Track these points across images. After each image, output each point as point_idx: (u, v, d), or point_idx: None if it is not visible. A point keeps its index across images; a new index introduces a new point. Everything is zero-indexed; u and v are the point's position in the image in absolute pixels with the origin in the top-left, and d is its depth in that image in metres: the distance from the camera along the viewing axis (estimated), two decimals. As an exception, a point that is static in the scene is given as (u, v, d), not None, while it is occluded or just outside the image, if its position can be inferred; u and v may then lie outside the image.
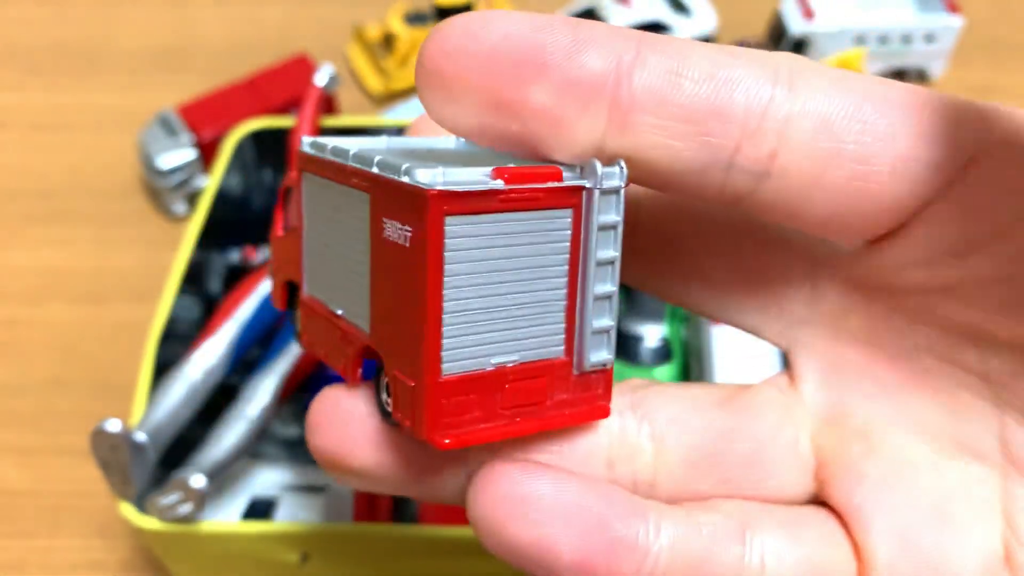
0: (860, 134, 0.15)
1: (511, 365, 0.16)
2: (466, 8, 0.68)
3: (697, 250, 0.20)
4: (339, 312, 0.18)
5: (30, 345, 0.56)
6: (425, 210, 0.15)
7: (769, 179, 0.16)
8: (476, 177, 0.15)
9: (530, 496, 0.17)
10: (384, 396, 0.17)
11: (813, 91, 0.15)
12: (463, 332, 0.16)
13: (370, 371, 0.18)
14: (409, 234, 0.15)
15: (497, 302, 0.16)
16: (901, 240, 0.17)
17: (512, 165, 0.16)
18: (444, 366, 0.16)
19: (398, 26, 0.67)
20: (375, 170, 0.16)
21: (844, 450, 0.19)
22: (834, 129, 0.15)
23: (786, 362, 0.20)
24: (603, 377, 0.18)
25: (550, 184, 0.16)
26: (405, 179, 0.15)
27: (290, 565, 0.39)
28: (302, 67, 0.64)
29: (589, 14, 0.64)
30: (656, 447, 0.19)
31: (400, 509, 0.41)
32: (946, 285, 0.16)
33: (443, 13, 0.68)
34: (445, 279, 0.15)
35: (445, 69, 0.15)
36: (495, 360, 0.16)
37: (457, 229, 0.15)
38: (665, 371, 0.48)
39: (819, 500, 0.19)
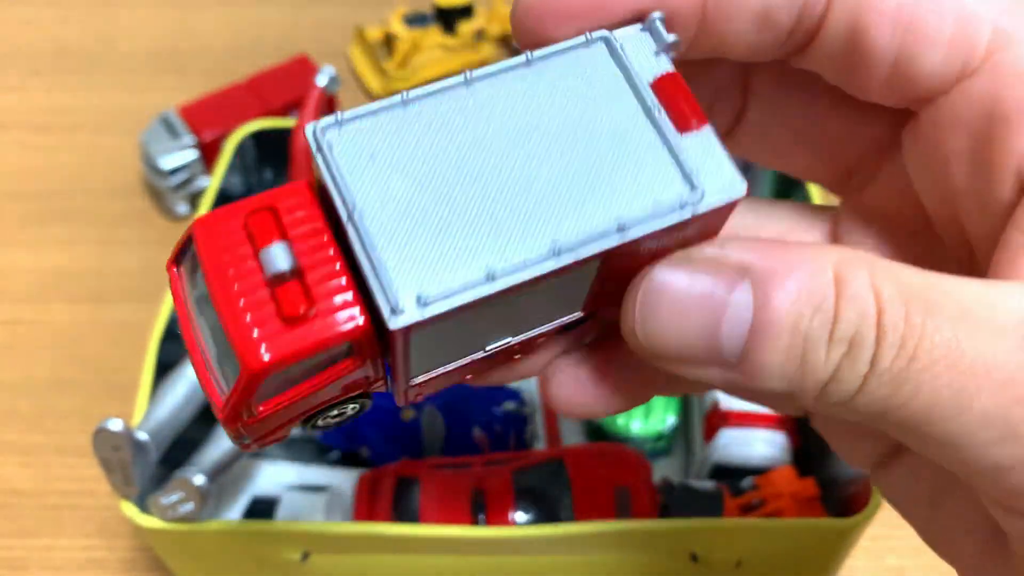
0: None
1: None
2: (467, 9, 0.68)
3: (790, 123, 0.22)
4: (497, 344, 0.20)
5: (32, 345, 0.56)
6: (726, 210, 0.19)
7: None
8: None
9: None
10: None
11: None
12: None
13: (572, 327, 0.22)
14: (688, 230, 0.19)
15: None
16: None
17: None
18: None
19: (399, 27, 0.68)
20: (623, 239, 0.18)
21: None
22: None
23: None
24: None
25: None
26: (688, 214, 0.18)
27: (291, 564, 0.39)
28: (303, 68, 0.64)
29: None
30: None
31: (400, 509, 0.42)
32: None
33: (443, 14, 0.68)
34: None
35: None
36: None
37: None
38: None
39: None
